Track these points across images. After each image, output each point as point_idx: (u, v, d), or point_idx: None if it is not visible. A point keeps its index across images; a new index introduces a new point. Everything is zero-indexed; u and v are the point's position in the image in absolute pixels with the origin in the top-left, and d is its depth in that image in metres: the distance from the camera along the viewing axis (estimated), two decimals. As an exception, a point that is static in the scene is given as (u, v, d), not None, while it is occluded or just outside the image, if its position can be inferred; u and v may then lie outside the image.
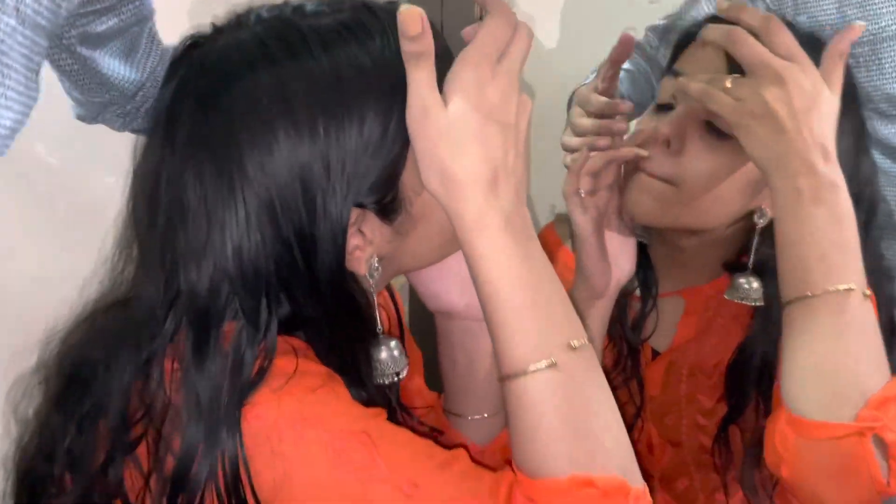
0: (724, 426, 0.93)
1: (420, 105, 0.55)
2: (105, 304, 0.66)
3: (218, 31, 0.63)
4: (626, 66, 1.13)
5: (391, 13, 0.60)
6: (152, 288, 0.60)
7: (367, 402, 0.62)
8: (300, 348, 0.62)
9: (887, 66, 0.95)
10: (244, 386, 0.57)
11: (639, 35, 1.21)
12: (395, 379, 0.67)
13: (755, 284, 0.86)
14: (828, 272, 0.69)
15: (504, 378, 0.57)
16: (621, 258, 0.89)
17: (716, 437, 0.93)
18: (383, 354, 0.67)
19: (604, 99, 0.88)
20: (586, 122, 0.88)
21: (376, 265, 0.64)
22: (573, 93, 1.03)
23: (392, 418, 0.62)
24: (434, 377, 0.85)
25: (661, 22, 1.18)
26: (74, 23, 0.72)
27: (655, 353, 0.97)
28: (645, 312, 0.96)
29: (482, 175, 0.55)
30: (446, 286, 0.76)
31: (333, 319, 0.63)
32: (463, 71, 0.55)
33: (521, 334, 0.57)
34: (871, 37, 0.95)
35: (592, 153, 0.86)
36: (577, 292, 0.89)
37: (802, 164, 0.70)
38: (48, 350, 0.67)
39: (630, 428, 0.97)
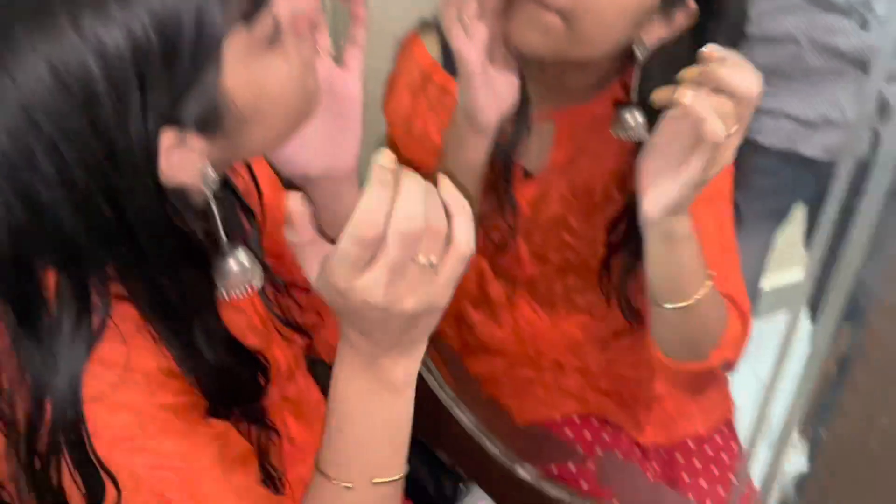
0: (608, 257, 0.97)
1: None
2: None
3: None
4: None
5: None
6: None
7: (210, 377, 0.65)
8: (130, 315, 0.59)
9: None
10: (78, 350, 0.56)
11: None
12: (248, 290, 0.62)
13: (640, 119, 0.85)
14: (690, 286, 0.84)
15: (316, 469, 0.65)
16: (504, 90, 0.85)
17: (601, 267, 0.98)
18: (232, 267, 0.61)
19: None
20: None
21: (210, 172, 0.57)
22: None
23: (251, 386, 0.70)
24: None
25: None
26: None
27: (528, 175, 0.98)
28: (518, 133, 0.95)
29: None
30: (298, 149, 0.71)
31: (163, 259, 0.58)
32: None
33: (341, 453, 0.64)
34: None
35: None
36: (459, 126, 0.86)
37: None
38: None
39: (504, 244, 1.02)
